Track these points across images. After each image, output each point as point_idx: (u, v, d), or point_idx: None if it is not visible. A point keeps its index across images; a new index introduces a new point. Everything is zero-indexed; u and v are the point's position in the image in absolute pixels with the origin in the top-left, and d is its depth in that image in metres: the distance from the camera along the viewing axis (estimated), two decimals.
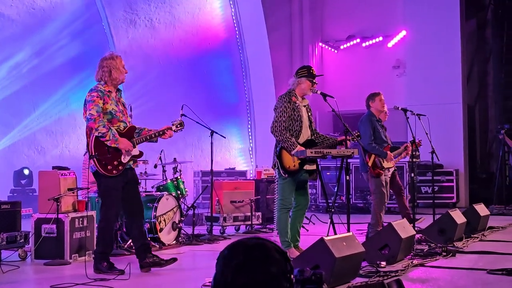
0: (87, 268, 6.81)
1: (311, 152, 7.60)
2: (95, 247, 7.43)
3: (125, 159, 7.13)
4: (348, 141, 8.02)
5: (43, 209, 8.10)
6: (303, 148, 7.77)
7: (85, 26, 14.90)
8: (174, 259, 7.25)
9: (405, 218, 8.62)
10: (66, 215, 8.01)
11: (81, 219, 8.24)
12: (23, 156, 14.20)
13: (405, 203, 10.54)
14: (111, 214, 7.15)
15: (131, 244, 8.76)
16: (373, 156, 9.41)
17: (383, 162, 9.45)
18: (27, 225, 8.48)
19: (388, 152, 9.48)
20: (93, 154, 6.94)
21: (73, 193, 8.34)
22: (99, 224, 7.22)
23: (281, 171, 7.84)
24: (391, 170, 9.86)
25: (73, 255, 8.00)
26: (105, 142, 6.98)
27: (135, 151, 7.22)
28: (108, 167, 7.02)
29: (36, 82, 14.16)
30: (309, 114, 8.23)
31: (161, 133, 7.39)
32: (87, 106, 7.03)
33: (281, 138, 7.80)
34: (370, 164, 9.40)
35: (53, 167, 8.52)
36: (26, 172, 14.22)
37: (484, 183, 18.53)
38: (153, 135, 7.38)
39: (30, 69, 14.20)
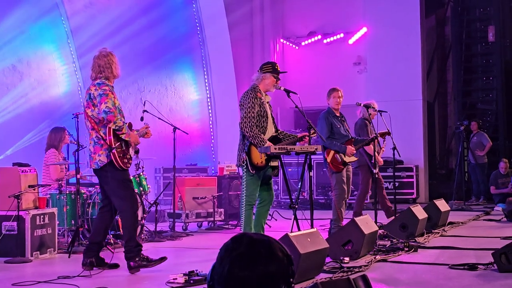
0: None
1: (275, 149, 7.58)
2: (128, 244, 7.00)
3: (131, 153, 7.23)
4: (308, 137, 8.03)
5: (3, 206, 7.97)
6: (271, 144, 7.76)
7: (43, 17, 14.70)
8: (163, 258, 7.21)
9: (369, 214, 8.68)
10: (27, 212, 7.91)
11: (42, 216, 8.14)
12: None
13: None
14: (136, 205, 7.19)
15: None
16: (332, 152, 9.44)
17: (344, 157, 9.47)
18: None
19: (348, 146, 9.47)
20: (114, 146, 6.93)
21: (34, 190, 8.24)
22: (129, 217, 7.08)
23: (249, 168, 7.79)
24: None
25: (34, 253, 7.91)
26: (120, 136, 7.02)
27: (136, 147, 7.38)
28: (124, 160, 7.06)
29: None
30: (271, 110, 8.24)
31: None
32: (99, 100, 6.95)
33: (251, 134, 7.76)
34: (329, 160, 9.44)
35: (14, 164, 8.41)
36: None
37: (444, 179, 18.78)
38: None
39: None
